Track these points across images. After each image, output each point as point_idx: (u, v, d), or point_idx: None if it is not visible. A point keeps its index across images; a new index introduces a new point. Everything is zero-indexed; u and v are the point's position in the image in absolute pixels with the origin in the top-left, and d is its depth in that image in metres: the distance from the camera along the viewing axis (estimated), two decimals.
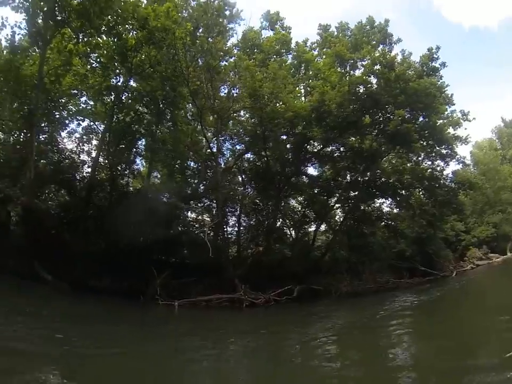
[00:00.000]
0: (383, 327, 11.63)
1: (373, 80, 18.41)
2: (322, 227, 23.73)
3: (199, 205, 21.29)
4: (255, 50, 20.70)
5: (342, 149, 20.61)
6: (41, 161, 17.10)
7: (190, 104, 19.47)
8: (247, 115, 20.61)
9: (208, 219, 20.91)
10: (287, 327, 12.34)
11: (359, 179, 20.86)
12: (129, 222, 15.13)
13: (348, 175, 21.64)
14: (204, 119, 18.61)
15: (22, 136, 17.50)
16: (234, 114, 19.71)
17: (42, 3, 14.51)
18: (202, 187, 20.41)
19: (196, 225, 20.57)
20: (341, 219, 23.48)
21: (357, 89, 18.02)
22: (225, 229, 19.73)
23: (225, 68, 18.77)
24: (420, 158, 21.50)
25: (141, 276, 15.14)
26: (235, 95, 19.29)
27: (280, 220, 22.02)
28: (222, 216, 17.65)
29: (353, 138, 20.10)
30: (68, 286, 14.21)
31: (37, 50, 15.81)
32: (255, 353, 9.25)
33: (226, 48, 19.86)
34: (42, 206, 16.59)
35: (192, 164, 21.64)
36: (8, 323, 8.33)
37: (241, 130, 20.13)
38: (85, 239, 15.54)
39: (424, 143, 19.63)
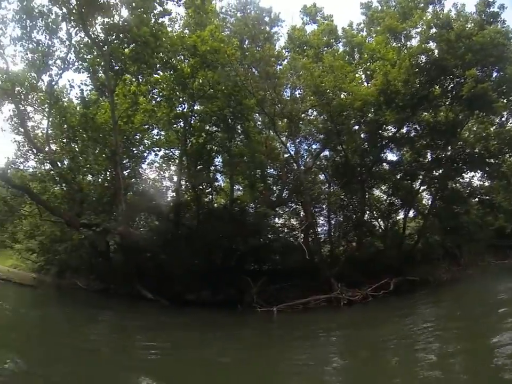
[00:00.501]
0: (489, 316, 10.42)
1: (433, 46, 17.25)
2: (411, 213, 22.56)
3: (285, 210, 21.63)
4: (305, 47, 20.69)
5: (417, 127, 19.54)
6: (129, 193, 18.97)
7: (257, 114, 19.93)
8: (315, 113, 20.49)
9: (296, 223, 21.08)
10: (392, 322, 11.81)
11: (442, 155, 19.40)
12: (219, 236, 16.15)
13: (429, 154, 20.33)
14: (276, 125, 18.87)
15: (108, 175, 19.70)
16: (303, 115, 19.71)
17: (98, 59, 16.54)
18: (286, 192, 20.60)
19: (285, 230, 20.78)
20: (429, 202, 22.05)
21: (419, 60, 17.07)
22: (316, 230, 19.64)
23: (282, 72, 18.91)
24: (503, 119, 19.48)
25: (236, 286, 15.91)
26: (298, 95, 19.37)
27: (367, 212, 21.34)
28: (311, 217, 17.57)
29: (427, 114, 19.05)
30: (168, 302, 15.56)
31: (105, 99, 17.72)
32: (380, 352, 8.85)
33: (277, 52, 20.17)
34: (136, 232, 18.28)
35: (271, 170, 21.90)
36: (121, 337, 9.28)
37: (313, 130, 19.98)
38: (179, 257, 16.72)
39: (505, 100, 17.59)
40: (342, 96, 17.50)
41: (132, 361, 7.36)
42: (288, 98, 19.48)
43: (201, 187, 19.18)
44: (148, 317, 13.69)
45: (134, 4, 15.48)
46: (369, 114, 18.03)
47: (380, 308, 14.64)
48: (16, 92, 17.80)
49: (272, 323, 13.84)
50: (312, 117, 20.64)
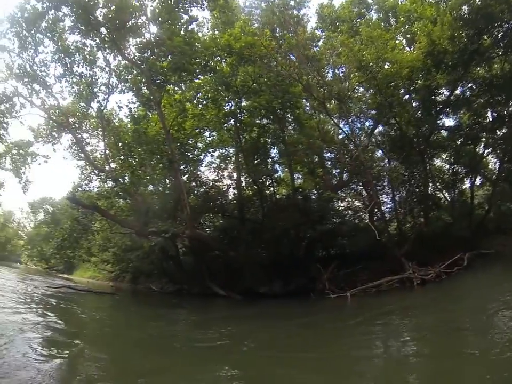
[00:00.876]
0: None
1: None
2: (478, 181, 21.21)
3: (347, 192, 21.34)
4: (337, 23, 20.20)
5: (472, 86, 18.15)
6: (191, 196, 19.81)
7: (305, 100, 19.85)
8: (361, 89, 19.81)
9: (359, 204, 20.78)
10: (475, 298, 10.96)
11: (503, 113, 18.01)
12: (285, 227, 16.50)
13: (489, 113, 18.90)
14: (326, 107, 18.57)
15: (168, 182, 20.72)
16: (351, 93, 19.29)
17: (139, 77, 17.49)
18: (345, 174, 20.46)
19: (349, 213, 20.61)
20: (497, 166, 20.48)
21: (461, 12, 15.55)
22: (381, 208, 18.88)
23: (320, 53, 18.53)
24: None
25: (307, 275, 16.09)
26: (342, 74, 18.93)
27: (431, 184, 20.35)
28: (375, 196, 17.04)
29: (480, 69, 17.65)
30: (240, 297, 16.17)
31: (153, 112, 18.84)
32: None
33: (311, 34, 19.83)
34: (203, 233, 19.18)
35: (328, 154, 21.63)
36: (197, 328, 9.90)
37: (363, 106, 19.37)
38: (247, 252, 17.31)
39: None
40: (386, 66, 16.74)
41: (208, 348, 7.70)
42: (332, 79, 19.07)
43: (261, 180, 19.57)
44: (221, 311, 14.40)
45: (160, 19, 16.24)
46: (419, 81, 17.06)
47: (456, 286, 13.75)
48: (70, 123, 19.55)
49: (346, 309, 13.62)
50: (360, 94, 20.01)
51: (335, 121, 19.74)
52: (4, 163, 31.44)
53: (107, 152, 20.08)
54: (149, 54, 16.74)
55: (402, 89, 17.52)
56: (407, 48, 19.12)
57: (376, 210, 17.48)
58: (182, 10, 16.56)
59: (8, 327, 7.53)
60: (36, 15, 16.26)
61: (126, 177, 19.03)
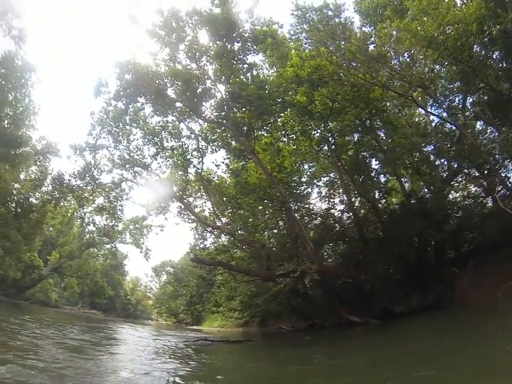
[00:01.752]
0: None
1: None
2: None
3: (462, 180, 19.14)
4: (380, 11, 19.74)
5: None
6: (308, 231, 20.13)
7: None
8: (437, 66, 18.46)
9: (475, 189, 18.21)
10: None
11: None
12: (408, 236, 15.70)
13: None
14: (414, 98, 17.43)
15: (281, 223, 21.56)
16: (430, 75, 18.17)
17: (224, 134, 19.38)
18: (453, 162, 18.75)
19: (470, 202, 18.06)
20: None
21: None
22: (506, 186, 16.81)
23: (380, 47, 17.95)
24: None
25: (443, 281, 14.82)
26: (409, 60, 17.89)
27: None
28: (497, 174, 15.31)
29: None
30: (377, 321, 15.38)
31: (249, 161, 20.11)
32: None
33: (360, 34, 19.41)
34: (330, 264, 19.31)
35: (428, 148, 20.16)
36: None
37: (445, 82, 18.33)
38: (375, 272, 16.74)
39: None
40: (452, 32, 15.15)
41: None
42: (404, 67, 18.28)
43: (372, 195, 19.35)
44: (365, 340, 13.37)
45: (223, 77, 17.53)
46: (492, 30, 15.02)
47: None
48: (175, 192, 21.69)
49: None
50: (438, 71, 18.46)
51: (424, 110, 18.78)
52: (125, 238, 36.58)
53: (215, 209, 21.61)
54: (226, 110, 18.06)
55: (477, 47, 15.85)
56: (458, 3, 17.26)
57: (500, 189, 15.54)
58: (239, 62, 17.87)
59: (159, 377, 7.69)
60: (119, 112, 19.48)
61: (239, 229, 20.13)
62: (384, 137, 19.88)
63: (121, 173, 21.92)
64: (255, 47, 17.67)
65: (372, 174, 19.98)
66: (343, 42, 17.32)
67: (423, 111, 19.71)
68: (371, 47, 18.50)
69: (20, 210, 25.36)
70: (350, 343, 13.54)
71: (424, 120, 20.34)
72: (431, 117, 19.86)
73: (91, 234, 36.16)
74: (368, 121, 18.05)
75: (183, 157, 21.44)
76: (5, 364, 6.22)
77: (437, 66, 18.06)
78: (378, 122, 18.85)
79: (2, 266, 26.27)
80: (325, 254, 21.68)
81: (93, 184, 21.66)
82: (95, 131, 20.09)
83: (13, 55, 22.31)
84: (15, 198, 25.12)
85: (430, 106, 18.81)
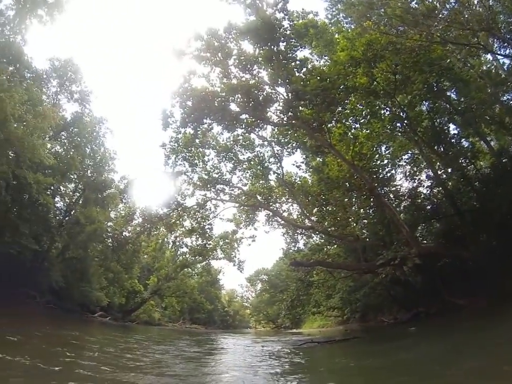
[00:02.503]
0: None
1: None
2: None
3: None
4: None
5: None
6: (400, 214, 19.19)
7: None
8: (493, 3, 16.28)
9: None
10: None
11: None
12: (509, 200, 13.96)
13: None
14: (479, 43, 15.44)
15: (371, 212, 21.12)
16: (489, 13, 16.09)
17: (296, 134, 19.69)
18: None
19: None
20: None
21: None
22: None
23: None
24: None
25: None
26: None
27: None
28: None
29: None
30: (487, 302, 13.58)
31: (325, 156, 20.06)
32: None
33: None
34: (429, 245, 18.19)
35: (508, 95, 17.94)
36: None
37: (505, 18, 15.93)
38: (477, 248, 15.28)
39: None
40: None
41: None
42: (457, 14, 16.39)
43: (458, 163, 17.71)
44: (479, 326, 10.75)
45: (280, 79, 17.53)
46: None
47: None
48: (262, 200, 22.53)
49: None
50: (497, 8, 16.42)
51: (493, 54, 17.00)
52: (216, 254, 38.43)
53: (303, 210, 21.69)
54: (292, 110, 17.84)
55: None
56: None
57: None
58: (290, 60, 17.59)
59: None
60: (189, 138, 20.37)
61: (330, 225, 20.01)
62: (456, 98, 18.33)
63: (204, 194, 22.98)
64: (299, 42, 17.45)
65: (453, 141, 18.37)
66: (382, 10, 16.35)
67: (490, 58, 18.09)
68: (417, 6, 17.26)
69: (116, 244, 27.99)
70: (462, 331, 11.55)
71: (494, 67, 18.33)
72: (501, 61, 17.89)
73: (184, 256, 38.42)
74: (435, 85, 16.74)
75: (261, 166, 22.05)
76: (152, 374, 8.04)
77: (492, 3, 16.20)
78: (446, 83, 17.37)
79: (108, 294, 28.99)
80: (420, 236, 20.19)
81: (178, 209, 22.97)
82: (170, 160, 21.35)
83: (80, 114, 25.44)
84: (111, 234, 27.74)
85: (497, 49, 16.83)
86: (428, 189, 20.06)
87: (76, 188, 25.61)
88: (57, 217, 23.79)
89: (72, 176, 24.71)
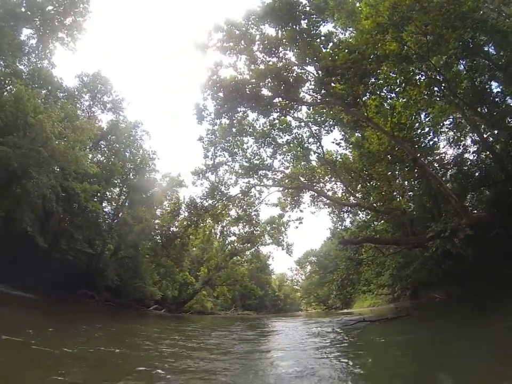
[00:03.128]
0: None
1: None
2: None
3: None
4: None
5: None
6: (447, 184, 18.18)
7: None
8: None
9: None
10: None
11: None
12: None
13: None
14: None
15: (416, 183, 20.32)
16: None
17: (331, 112, 19.23)
18: None
19: None
20: None
21: None
22: None
23: None
24: None
25: None
26: None
27: None
28: None
29: None
30: None
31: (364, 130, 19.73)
32: None
33: None
34: (481, 214, 17.04)
35: None
36: None
37: None
38: None
39: None
40: None
41: None
42: None
43: (505, 123, 16.42)
44: None
45: (308, 58, 17.20)
46: None
47: None
48: (305, 181, 22.78)
49: None
50: None
51: None
52: (264, 240, 39.12)
53: (347, 187, 21.62)
54: (325, 87, 17.35)
55: None
56: None
57: None
58: (315, 37, 17.08)
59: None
60: (225, 128, 20.71)
61: (376, 200, 19.74)
62: (495, 53, 16.87)
63: (247, 181, 23.31)
64: (321, 16, 16.83)
65: (497, 100, 16.98)
66: None
67: None
68: None
69: (165, 240, 29.20)
70: None
71: None
72: None
73: (232, 245, 39.69)
74: (471, 41, 15.49)
75: (300, 147, 22.01)
76: (216, 354, 9.04)
77: None
78: (482, 38, 16.04)
79: (161, 288, 30.56)
80: (470, 205, 18.86)
81: (223, 199, 23.53)
82: (210, 152, 21.85)
83: (115, 122, 26.68)
84: (158, 231, 28.91)
85: None
86: (474, 154, 18.88)
87: (120, 192, 26.90)
88: (107, 221, 25.05)
89: (115, 181, 26.01)
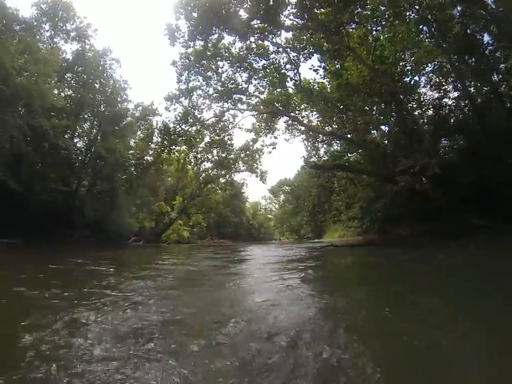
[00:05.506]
0: None
1: None
2: None
3: None
4: None
5: None
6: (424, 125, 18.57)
7: None
8: None
9: None
10: None
11: None
12: None
13: None
14: None
15: (392, 120, 20.69)
16: None
17: (312, 39, 18.42)
18: None
19: None
20: None
21: None
22: None
23: None
24: None
25: None
26: None
27: None
28: None
29: None
30: (503, 223, 13.42)
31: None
32: None
33: None
34: (451, 157, 17.66)
35: None
36: None
37: None
38: (499, 171, 14.61)
39: None
40: None
41: None
42: None
43: (490, 77, 16.61)
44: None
45: None
46: None
47: None
48: (280, 108, 22.65)
49: None
50: None
51: None
52: (239, 167, 39.62)
53: (323, 116, 21.91)
54: (307, 12, 16.65)
55: None
56: None
57: None
58: None
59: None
60: (199, 51, 19.87)
61: (350, 131, 20.00)
62: (493, 5, 16.10)
63: (221, 105, 23.10)
64: None
65: (486, 52, 16.69)
66: None
67: None
68: None
69: (140, 170, 29.08)
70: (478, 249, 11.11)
71: None
72: None
73: (206, 172, 40.32)
74: None
75: (277, 73, 21.47)
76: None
77: None
78: None
79: (138, 220, 30.98)
80: (442, 152, 19.20)
81: (196, 124, 23.37)
82: (183, 77, 21.08)
83: (81, 52, 24.49)
84: (133, 162, 28.56)
85: None
86: (454, 101, 18.89)
87: (92, 125, 25.57)
88: (80, 157, 24.21)
89: (86, 115, 24.71)
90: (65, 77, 23.86)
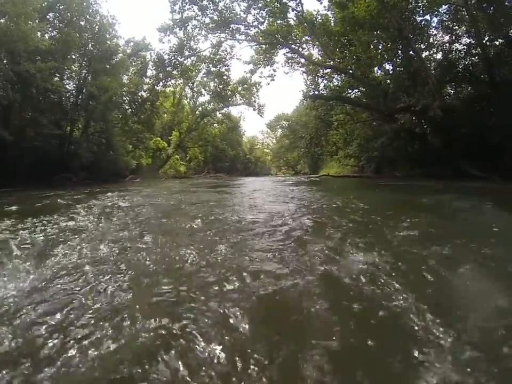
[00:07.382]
0: None
1: None
2: None
3: None
4: None
5: None
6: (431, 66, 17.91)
7: None
8: None
9: None
10: None
11: None
12: None
13: None
14: None
15: (399, 59, 19.90)
16: None
17: None
18: None
19: None
20: None
21: None
22: None
23: None
24: None
25: None
26: None
27: None
28: None
29: None
30: (499, 178, 13.50)
31: None
32: None
33: None
34: (454, 102, 17.03)
35: None
36: None
37: None
38: (499, 123, 14.43)
39: None
40: None
41: None
42: None
43: (507, 30, 15.51)
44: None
45: None
46: None
47: None
48: (280, 39, 21.73)
49: None
50: None
51: None
52: (236, 100, 38.60)
53: (325, 49, 20.82)
54: None
55: None
56: None
57: None
58: None
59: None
60: None
61: (353, 65, 19.28)
62: None
63: (218, 35, 22.23)
64: None
65: (506, 3, 15.35)
66: None
67: None
68: None
69: (134, 106, 28.34)
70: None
71: None
72: None
73: (203, 106, 39.47)
74: None
75: (278, 2, 20.22)
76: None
77: None
78: None
79: (135, 157, 30.70)
80: (446, 97, 18.50)
81: (193, 54, 22.59)
82: (177, 6, 19.99)
83: None
84: (127, 98, 27.67)
85: None
86: (465, 47, 17.84)
87: (81, 65, 24.12)
88: (71, 99, 23.18)
89: (74, 56, 23.12)
90: (47, 17, 21.97)
